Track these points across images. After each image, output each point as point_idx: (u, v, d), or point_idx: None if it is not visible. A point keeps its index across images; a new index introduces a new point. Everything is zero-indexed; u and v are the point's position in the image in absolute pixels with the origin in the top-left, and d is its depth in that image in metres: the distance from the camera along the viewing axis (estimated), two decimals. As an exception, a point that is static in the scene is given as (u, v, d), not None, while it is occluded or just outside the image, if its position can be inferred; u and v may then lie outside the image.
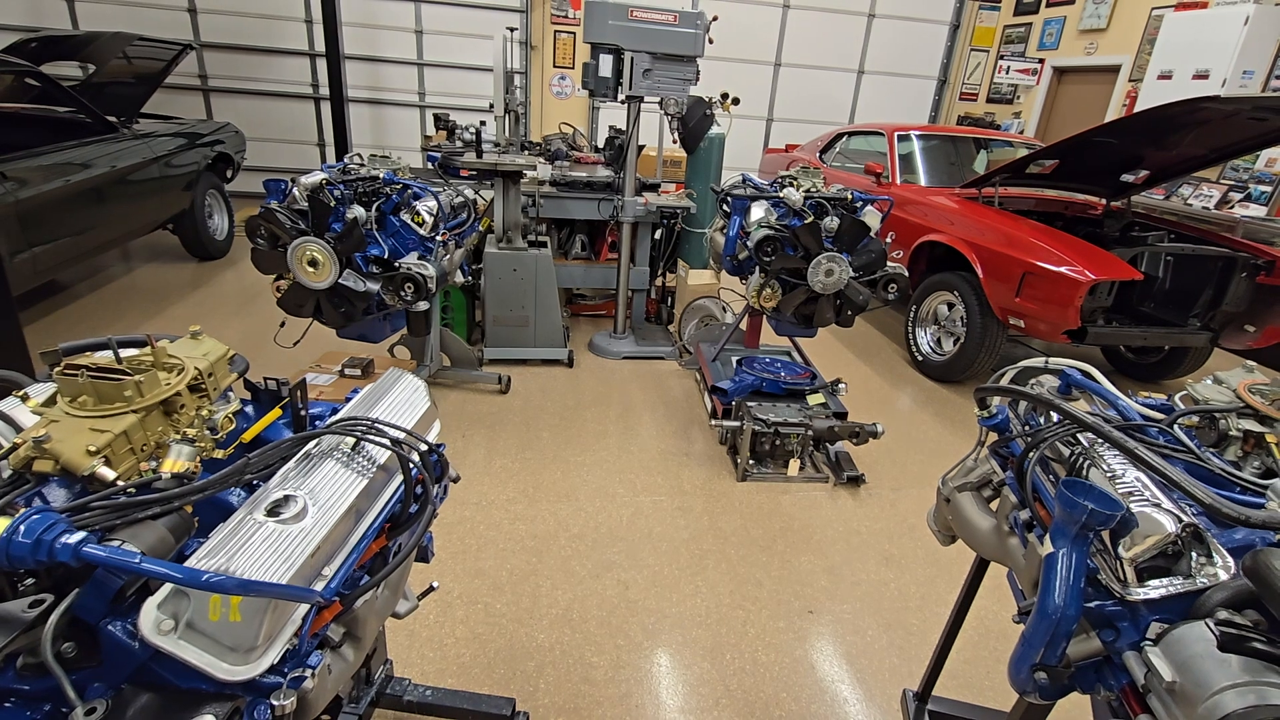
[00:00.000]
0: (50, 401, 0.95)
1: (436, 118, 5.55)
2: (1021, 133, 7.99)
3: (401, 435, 1.08)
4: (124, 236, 4.81)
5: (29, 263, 3.69)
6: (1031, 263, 3.69)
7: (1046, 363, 1.39)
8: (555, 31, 8.15)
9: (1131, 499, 1.01)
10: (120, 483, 0.88)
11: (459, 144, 5.05)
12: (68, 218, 4.02)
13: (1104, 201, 4.82)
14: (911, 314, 4.65)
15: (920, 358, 4.57)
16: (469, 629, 2.19)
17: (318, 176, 2.69)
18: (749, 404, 3.21)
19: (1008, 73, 8.27)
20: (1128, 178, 4.44)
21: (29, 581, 0.79)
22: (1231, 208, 5.60)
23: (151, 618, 0.77)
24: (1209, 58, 5.62)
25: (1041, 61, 8.00)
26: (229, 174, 6.02)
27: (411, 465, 1.07)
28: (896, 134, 5.31)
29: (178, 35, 7.06)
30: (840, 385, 3.45)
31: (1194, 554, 0.96)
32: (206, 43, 7.68)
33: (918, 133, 5.36)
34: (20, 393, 0.97)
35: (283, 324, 3.04)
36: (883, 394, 4.25)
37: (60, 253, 3.99)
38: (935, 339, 4.56)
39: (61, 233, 3.97)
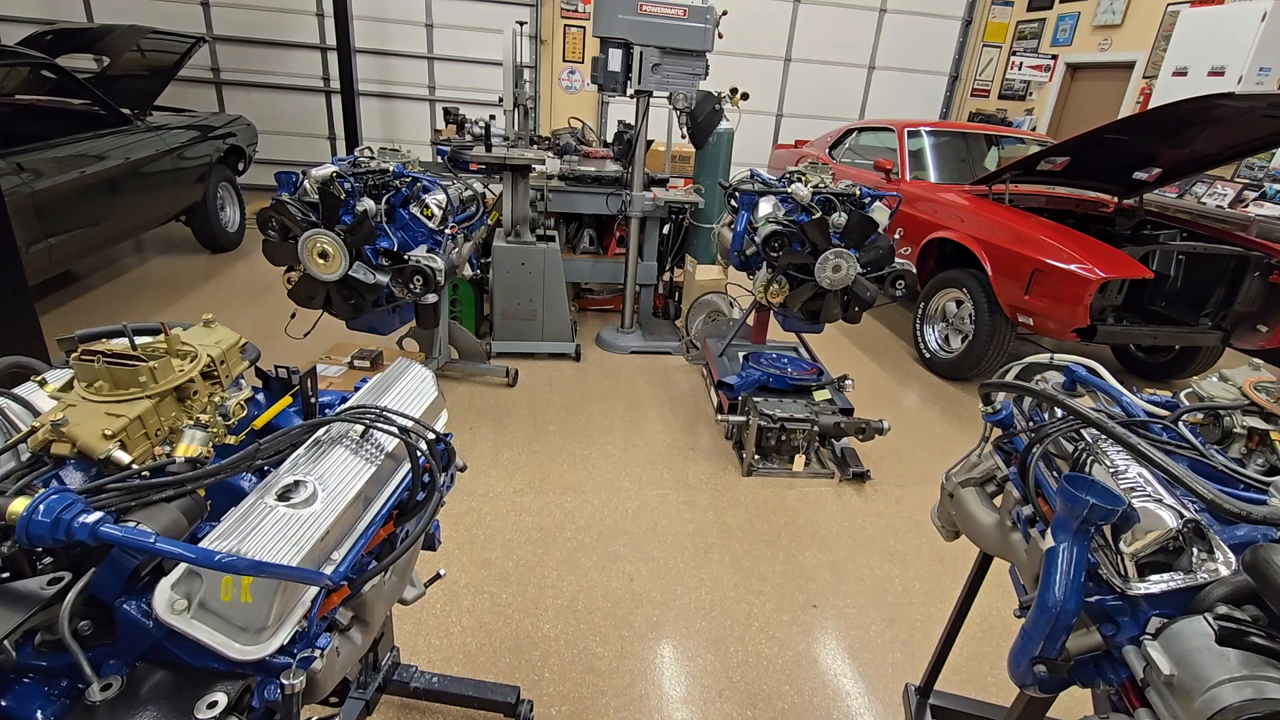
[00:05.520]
0: (67, 387, 0.97)
1: (446, 112, 5.57)
2: (1034, 129, 7.93)
3: (409, 423, 1.10)
4: (138, 228, 4.85)
5: (45, 253, 3.74)
6: (1041, 260, 3.67)
7: (1052, 358, 1.39)
8: (565, 26, 8.15)
9: (1133, 494, 1.01)
10: (135, 466, 0.90)
11: (468, 138, 5.07)
12: (83, 209, 4.06)
13: (1116, 199, 4.78)
14: (920, 311, 4.63)
15: (928, 355, 4.56)
16: (475, 618, 2.21)
17: (328, 169, 2.72)
18: (755, 399, 3.21)
19: (1020, 69, 8.20)
20: (1140, 175, 4.40)
21: (47, 560, 0.81)
22: (1246, 206, 5.54)
23: (165, 597, 0.79)
24: (1225, 54, 5.55)
25: (1055, 58, 7.93)
26: (241, 166, 6.06)
27: (419, 453, 1.08)
28: (907, 130, 5.28)
29: (191, 28, 7.12)
30: (847, 381, 3.45)
31: (1195, 550, 0.96)
32: (219, 36, 7.72)
33: (928, 129, 5.34)
34: (38, 378, 1.00)
35: (293, 315, 3.07)
36: (889, 391, 4.25)
37: (75, 243, 4.04)
38: (943, 336, 4.54)
39: (77, 224, 4.01)
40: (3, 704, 0.80)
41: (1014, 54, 8.46)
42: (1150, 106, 4.10)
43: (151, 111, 5.36)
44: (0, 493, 0.80)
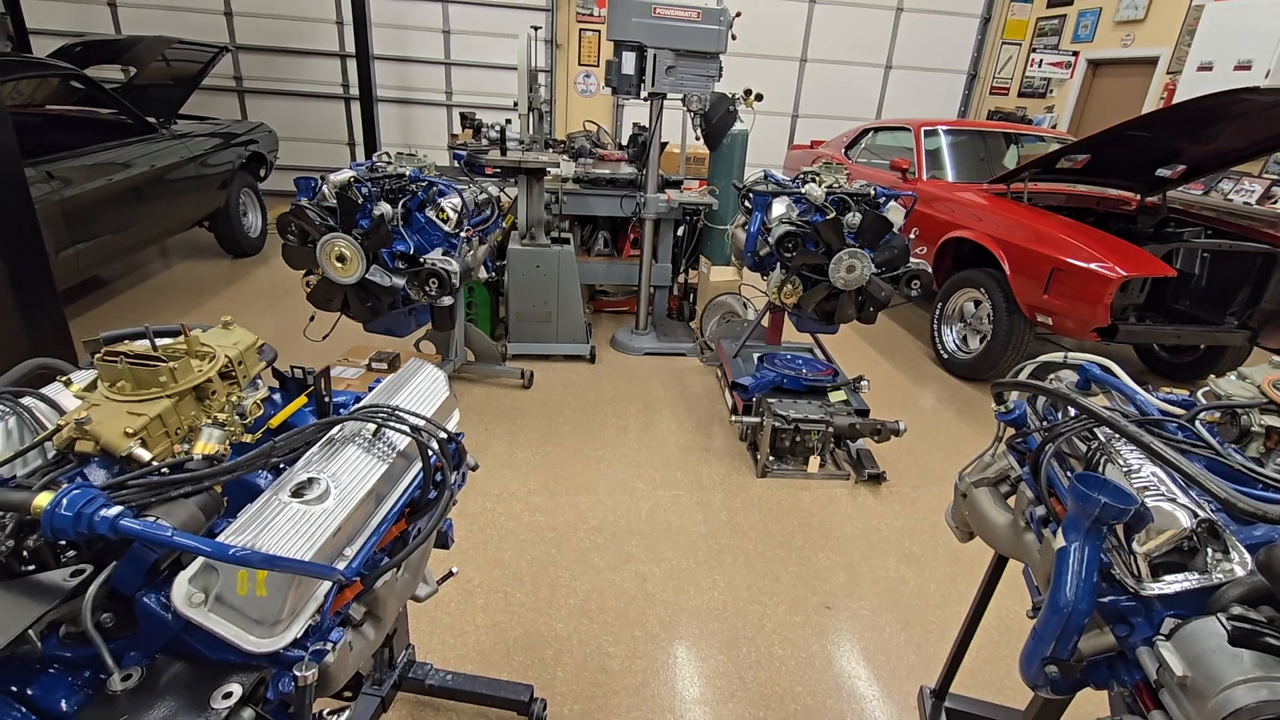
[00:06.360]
0: (91, 387, 1.00)
1: (463, 116, 5.62)
2: (1054, 127, 7.82)
3: (421, 423, 1.11)
4: (162, 234, 4.96)
5: (73, 258, 3.84)
6: (1060, 259, 3.62)
7: (1066, 357, 1.38)
8: (580, 30, 8.19)
9: (1147, 494, 1.00)
10: (155, 463, 0.92)
11: (485, 142, 5.12)
12: (109, 215, 4.16)
13: (1138, 197, 4.70)
14: (937, 311, 4.59)
15: (945, 355, 4.51)
16: (489, 617, 2.23)
17: (346, 174, 2.76)
18: (769, 400, 3.20)
19: (1040, 66, 8.09)
20: (1163, 172, 4.33)
21: (71, 554, 0.83)
22: (1275, 203, 5.42)
23: (183, 590, 0.82)
24: (1252, 48, 5.43)
25: (1075, 54, 7.82)
26: (262, 173, 6.16)
27: (430, 451, 1.10)
28: (923, 129, 5.24)
29: (214, 38, 7.26)
30: (862, 382, 3.43)
31: (1210, 550, 0.95)
32: (242, 45, 7.88)
33: (945, 128, 5.29)
34: (64, 378, 1.03)
35: (312, 318, 3.12)
36: (906, 391, 4.21)
37: (102, 249, 4.14)
38: (961, 336, 4.49)
39: (104, 230, 4.11)
40: (29, 693, 0.83)
41: (1034, 51, 8.35)
42: (1174, 102, 4.03)
43: (176, 120, 5.47)
44: (26, 488, 0.82)
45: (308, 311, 3.01)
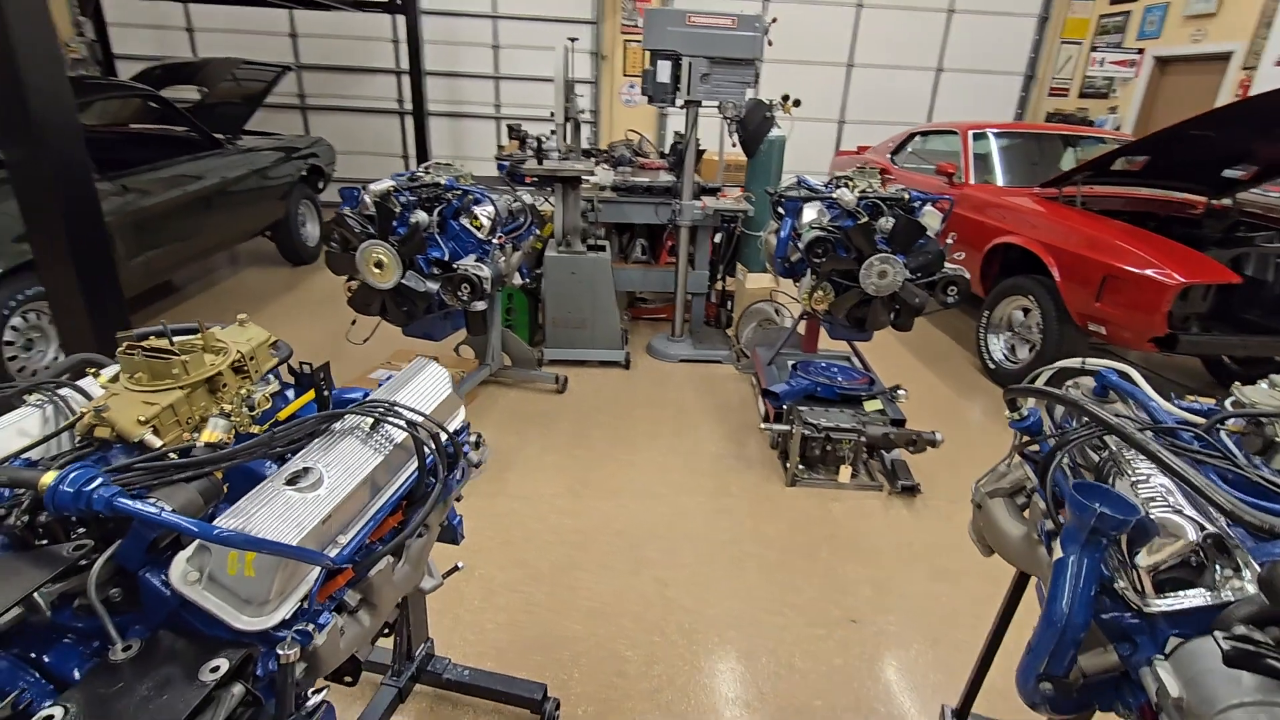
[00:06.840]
0: (116, 378, 1.08)
1: (510, 129, 5.76)
2: (1118, 129, 7.46)
3: (418, 418, 1.15)
4: (226, 242, 5.25)
5: (144, 265, 4.10)
6: (1113, 265, 3.45)
7: (1084, 363, 1.32)
8: (625, 41, 8.29)
9: (1152, 505, 0.95)
10: (165, 449, 0.98)
11: (528, 153, 5.22)
12: (178, 225, 4.43)
13: (1205, 200, 4.44)
14: (983, 319, 4.43)
15: (993, 365, 4.35)
16: (509, 616, 2.27)
17: (386, 184, 2.87)
18: (800, 408, 3.16)
19: (1102, 65, 7.74)
20: (1232, 173, 4.08)
21: (81, 531, 0.90)
22: (1364, 205, 5.01)
23: (180, 569, 0.87)
24: (1337, 40, 5.07)
25: (1141, 51, 7.45)
26: (320, 185, 6.46)
27: (424, 446, 1.13)
28: (971, 132, 5.08)
29: (281, 58, 7.68)
30: (900, 392, 3.34)
31: (1219, 565, 0.89)
32: (305, 64, 8.28)
33: (995, 131, 5.12)
34: (93, 370, 1.11)
35: (354, 322, 3.25)
36: (949, 402, 4.08)
37: (171, 256, 4.41)
38: (1009, 346, 4.33)
39: (172, 238, 4.38)
40: (45, 660, 0.90)
41: (1095, 50, 8.00)
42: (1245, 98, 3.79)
43: (241, 135, 5.79)
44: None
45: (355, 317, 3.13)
